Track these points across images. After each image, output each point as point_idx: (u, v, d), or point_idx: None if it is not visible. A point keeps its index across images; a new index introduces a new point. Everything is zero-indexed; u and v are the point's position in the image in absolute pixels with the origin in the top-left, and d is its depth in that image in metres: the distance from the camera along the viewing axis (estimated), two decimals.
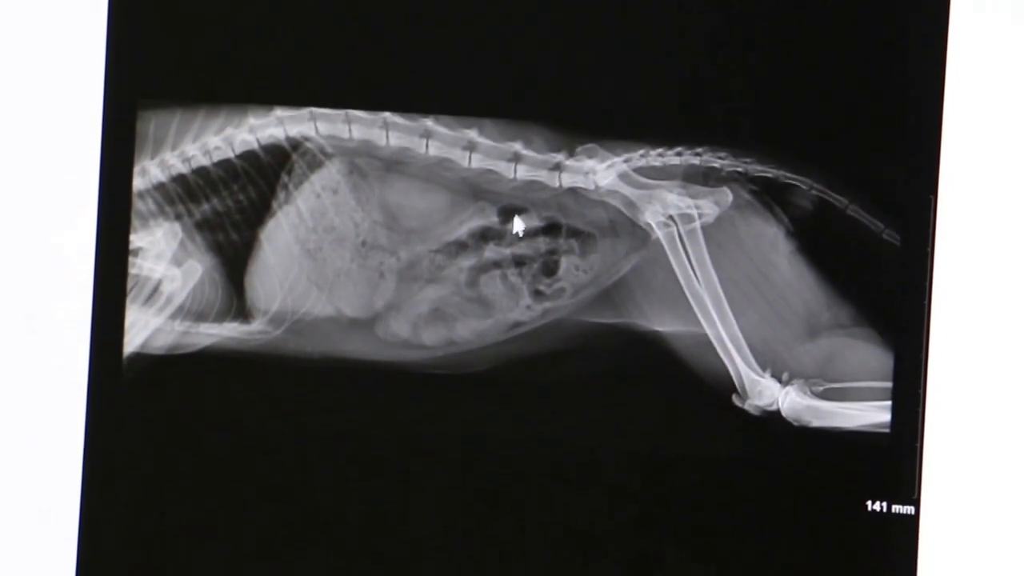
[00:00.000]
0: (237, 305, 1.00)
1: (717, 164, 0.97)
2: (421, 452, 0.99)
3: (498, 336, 0.98)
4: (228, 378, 1.00)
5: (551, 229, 0.99)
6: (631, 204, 0.98)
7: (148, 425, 1.00)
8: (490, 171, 0.99)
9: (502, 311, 0.99)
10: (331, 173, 0.99)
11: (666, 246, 0.98)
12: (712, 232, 0.98)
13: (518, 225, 0.97)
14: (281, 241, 1.00)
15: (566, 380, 0.98)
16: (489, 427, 0.99)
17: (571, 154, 0.98)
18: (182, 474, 1.00)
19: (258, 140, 0.99)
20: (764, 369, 0.97)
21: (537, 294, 0.98)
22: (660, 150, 0.97)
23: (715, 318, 0.97)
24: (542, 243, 0.98)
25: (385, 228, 0.99)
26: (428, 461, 1.00)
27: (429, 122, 0.99)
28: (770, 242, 0.97)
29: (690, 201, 0.98)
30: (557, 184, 0.98)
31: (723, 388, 0.97)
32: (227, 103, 0.99)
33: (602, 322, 0.98)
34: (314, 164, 0.99)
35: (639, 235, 0.98)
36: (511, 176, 0.98)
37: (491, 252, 0.99)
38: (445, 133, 0.99)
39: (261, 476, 1.00)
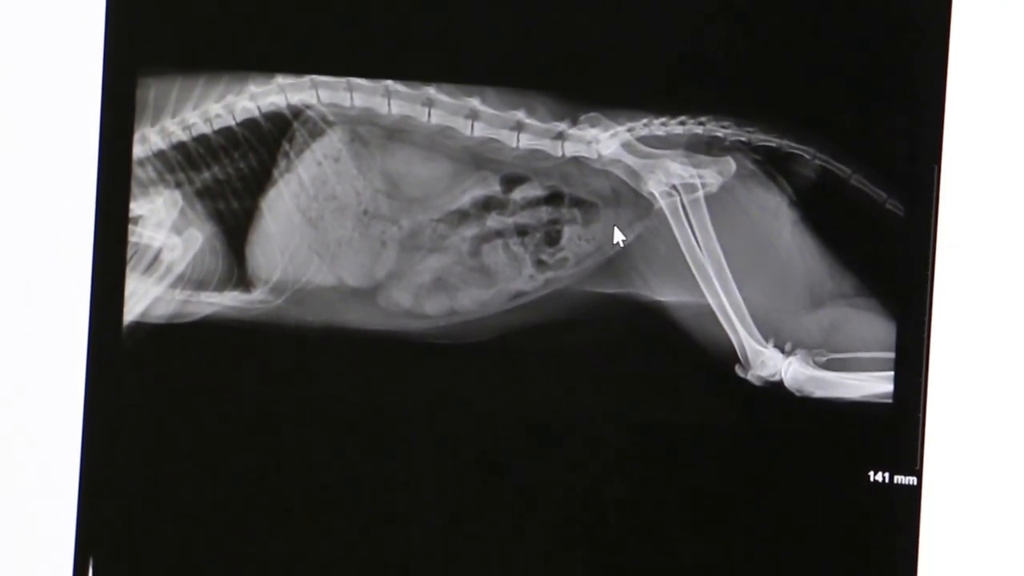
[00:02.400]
0: (238, 274, 0.99)
1: (720, 133, 0.97)
2: (423, 422, 0.99)
3: (500, 306, 0.98)
4: (229, 347, 0.99)
5: (554, 198, 0.98)
6: (634, 173, 0.98)
7: (148, 394, 0.99)
8: (492, 140, 0.98)
9: (504, 281, 0.98)
10: (332, 141, 0.99)
11: (669, 216, 0.97)
12: (715, 202, 0.97)
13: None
14: (282, 210, 0.99)
15: (568, 350, 0.97)
16: (491, 397, 0.98)
17: (574, 123, 0.98)
18: (182, 443, 1.00)
19: (259, 108, 0.99)
20: (767, 339, 0.97)
21: (540, 264, 0.98)
22: (663, 119, 0.97)
23: (718, 288, 0.97)
24: (544, 212, 0.98)
25: (387, 197, 0.99)
26: (430, 431, 0.99)
27: (431, 90, 0.98)
28: (773, 212, 0.96)
29: (693, 170, 0.97)
30: (560, 153, 0.98)
31: (726, 358, 0.97)
32: (228, 70, 0.99)
33: (604, 292, 0.98)
34: (315, 132, 0.99)
35: (642, 204, 0.98)
36: (514, 145, 0.98)
37: (493, 221, 0.98)
38: (447, 101, 0.98)
39: (261, 446, 0.99)
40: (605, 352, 0.97)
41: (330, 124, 0.99)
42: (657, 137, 0.97)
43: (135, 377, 0.99)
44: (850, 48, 0.95)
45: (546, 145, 0.98)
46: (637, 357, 0.97)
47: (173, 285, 1.00)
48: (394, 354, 0.98)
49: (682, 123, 0.97)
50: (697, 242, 0.97)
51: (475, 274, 0.98)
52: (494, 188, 0.98)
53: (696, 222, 0.97)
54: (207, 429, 0.99)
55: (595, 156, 0.98)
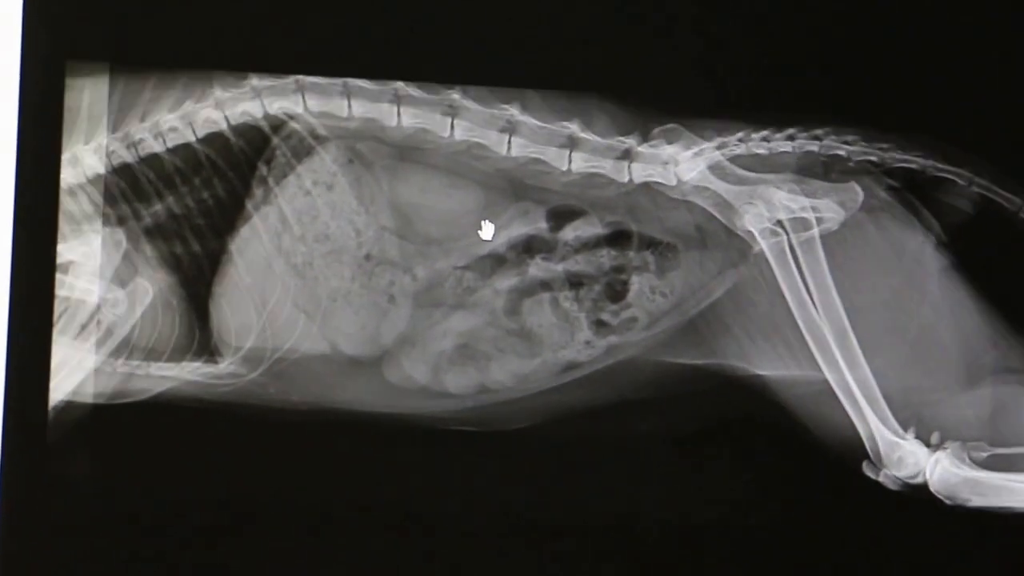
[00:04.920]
0: (200, 339, 0.93)
1: (843, 151, 0.90)
2: (443, 532, 0.92)
3: (546, 382, 0.92)
4: (188, 435, 0.92)
5: (618, 238, 0.92)
6: (726, 205, 0.91)
7: (78, 498, 0.93)
8: (537, 161, 0.92)
9: (552, 348, 0.92)
10: (325, 163, 0.93)
11: (773, 262, 0.91)
12: (835, 243, 0.91)
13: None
14: (258, 254, 0.93)
15: (637, 441, 0.91)
16: (532, 501, 0.92)
17: (645, 138, 0.91)
18: (122, 562, 0.93)
19: (227, 119, 0.93)
20: (906, 428, 0.90)
21: (599, 325, 0.92)
22: (765, 133, 0.91)
23: (839, 359, 0.90)
24: (606, 257, 0.91)
25: (396, 236, 0.92)
26: (452, 543, 0.92)
27: (455, 95, 0.92)
28: (914, 256, 0.90)
29: (805, 201, 0.91)
30: (626, 178, 0.91)
31: (851, 453, 0.90)
32: (186, 69, 0.93)
33: (686, 363, 0.91)
34: (302, 151, 0.93)
35: (736, 247, 0.92)
36: (564, 168, 0.91)
37: (537, 269, 0.92)
38: (477, 110, 0.92)
39: (230, 563, 0.92)
40: (687, 444, 0.91)
41: (321, 140, 0.93)
42: (757, 157, 0.91)
43: (62, 475, 0.93)
44: (1016, 42, 0.89)
45: (607, 168, 0.91)
46: (729, 450, 0.90)
47: (115, 353, 0.93)
48: (405, 444, 0.92)
49: (790, 137, 0.90)
50: (811, 297, 0.90)
51: (513, 339, 0.92)
52: (539, 225, 0.92)
53: (809, 270, 0.91)
54: (159, 544, 0.93)
55: (673, 182, 0.91)
